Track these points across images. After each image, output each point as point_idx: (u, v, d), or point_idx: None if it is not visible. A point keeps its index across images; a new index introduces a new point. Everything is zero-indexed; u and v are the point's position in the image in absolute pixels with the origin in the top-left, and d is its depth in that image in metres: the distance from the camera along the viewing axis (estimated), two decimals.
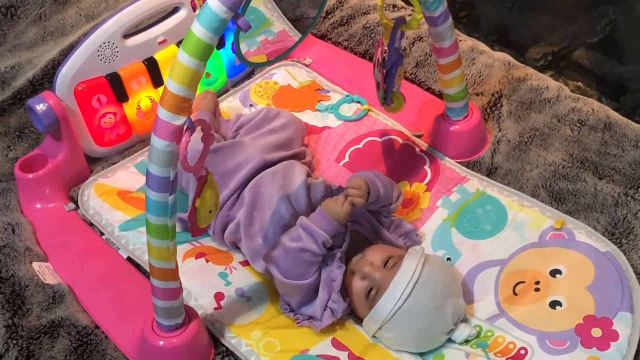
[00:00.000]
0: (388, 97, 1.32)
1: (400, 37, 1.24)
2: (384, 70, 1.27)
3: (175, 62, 0.86)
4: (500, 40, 1.99)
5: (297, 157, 1.31)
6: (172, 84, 0.86)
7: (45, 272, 1.21)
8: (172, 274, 0.99)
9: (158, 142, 0.88)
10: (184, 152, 0.89)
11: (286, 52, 1.26)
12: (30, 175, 1.34)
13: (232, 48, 1.51)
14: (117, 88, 1.38)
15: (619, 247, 1.17)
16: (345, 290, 1.13)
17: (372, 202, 1.16)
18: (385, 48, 1.24)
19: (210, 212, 0.99)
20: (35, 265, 1.22)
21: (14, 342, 1.07)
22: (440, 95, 1.47)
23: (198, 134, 0.91)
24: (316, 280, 1.11)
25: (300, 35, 1.58)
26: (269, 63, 1.56)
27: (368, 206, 1.17)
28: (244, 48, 1.39)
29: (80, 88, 1.34)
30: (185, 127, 0.88)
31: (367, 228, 1.19)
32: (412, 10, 1.67)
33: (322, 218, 1.10)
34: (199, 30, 0.85)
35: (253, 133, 1.31)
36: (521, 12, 1.98)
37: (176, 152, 0.89)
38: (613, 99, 1.81)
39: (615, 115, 1.39)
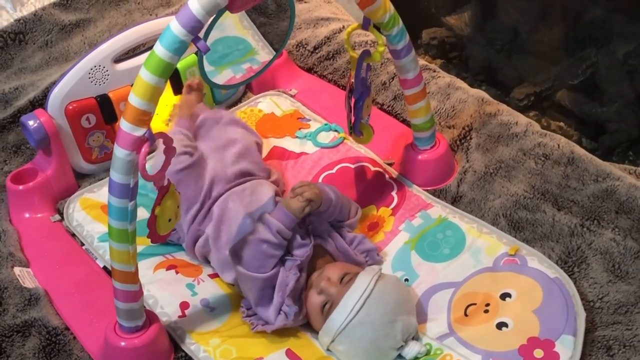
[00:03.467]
0: (356, 128, 1.38)
1: (367, 69, 1.30)
2: (353, 101, 1.34)
3: (138, 78, 0.94)
4: (488, 80, 2.06)
5: (264, 177, 1.36)
6: (134, 97, 0.94)
7: (25, 277, 1.28)
8: (132, 276, 1.05)
9: (119, 152, 0.95)
10: (143, 161, 0.96)
11: (259, 73, 1.35)
12: (21, 187, 1.42)
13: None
14: (106, 109, 1.46)
15: (570, 275, 1.21)
16: (299, 298, 1.18)
17: (326, 209, 1.23)
18: (352, 80, 1.31)
19: (169, 220, 1.05)
20: (17, 269, 1.29)
21: None
22: None
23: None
24: (273, 278, 1.16)
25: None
26: (239, 85, 1.64)
27: (324, 215, 1.24)
28: (229, 74, 1.48)
29: (71, 107, 1.42)
30: (145, 138, 0.96)
31: (330, 243, 1.25)
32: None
33: (279, 210, 1.19)
34: (160, 50, 0.93)
35: (216, 155, 1.36)
36: (509, 54, 2.04)
37: (136, 162, 0.96)
38: (592, 139, 1.85)
39: (580, 150, 1.43)
